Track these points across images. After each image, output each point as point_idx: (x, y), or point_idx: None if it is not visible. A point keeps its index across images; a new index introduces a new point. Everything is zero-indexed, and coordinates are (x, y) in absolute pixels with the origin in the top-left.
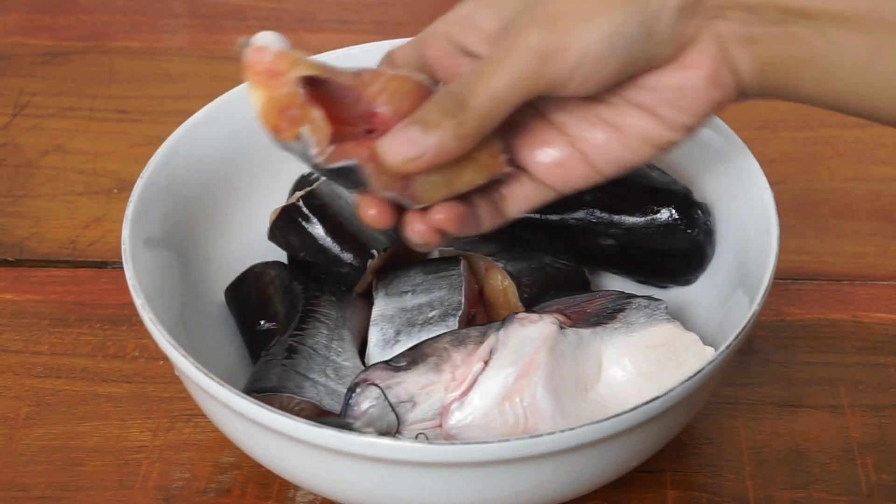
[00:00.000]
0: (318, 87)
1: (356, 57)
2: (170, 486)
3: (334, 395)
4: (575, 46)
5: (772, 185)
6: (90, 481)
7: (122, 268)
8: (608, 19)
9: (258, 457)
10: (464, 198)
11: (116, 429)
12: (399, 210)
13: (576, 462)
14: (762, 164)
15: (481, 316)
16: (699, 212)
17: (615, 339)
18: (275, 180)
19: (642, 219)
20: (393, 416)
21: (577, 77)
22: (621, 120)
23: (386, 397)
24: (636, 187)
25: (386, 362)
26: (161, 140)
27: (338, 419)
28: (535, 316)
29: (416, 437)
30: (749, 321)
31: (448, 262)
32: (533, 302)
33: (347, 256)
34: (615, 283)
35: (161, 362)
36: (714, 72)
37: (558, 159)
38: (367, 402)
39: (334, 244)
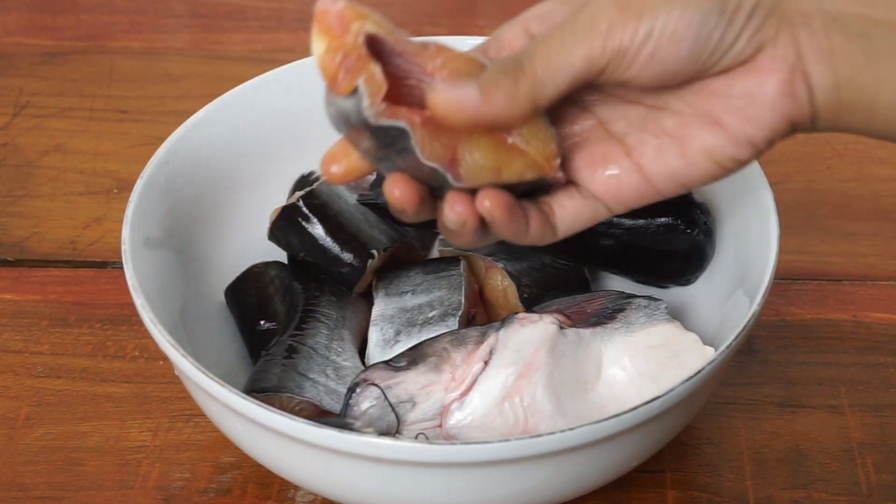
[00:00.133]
0: (382, 52)
1: None
2: (170, 486)
3: (334, 395)
4: (647, 17)
5: (772, 185)
6: (90, 481)
7: (122, 268)
8: (687, 1)
9: (258, 457)
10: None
11: (116, 429)
12: (424, 196)
13: (576, 462)
14: (762, 164)
15: (481, 316)
16: (699, 212)
17: (615, 339)
18: (275, 180)
19: (642, 219)
20: (393, 416)
21: (644, 52)
22: (683, 130)
23: (386, 397)
24: None
25: (386, 362)
26: (161, 140)
27: (338, 419)
28: (535, 316)
29: (416, 437)
30: (749, 321)
31: (448, 262)
32: (533, 302)
33: (347, 256)
34: (615, 283)
35: (161, 362)
36: (788, 81)
37: (612, 170)
38: (367, 402)
39: (334, 244)
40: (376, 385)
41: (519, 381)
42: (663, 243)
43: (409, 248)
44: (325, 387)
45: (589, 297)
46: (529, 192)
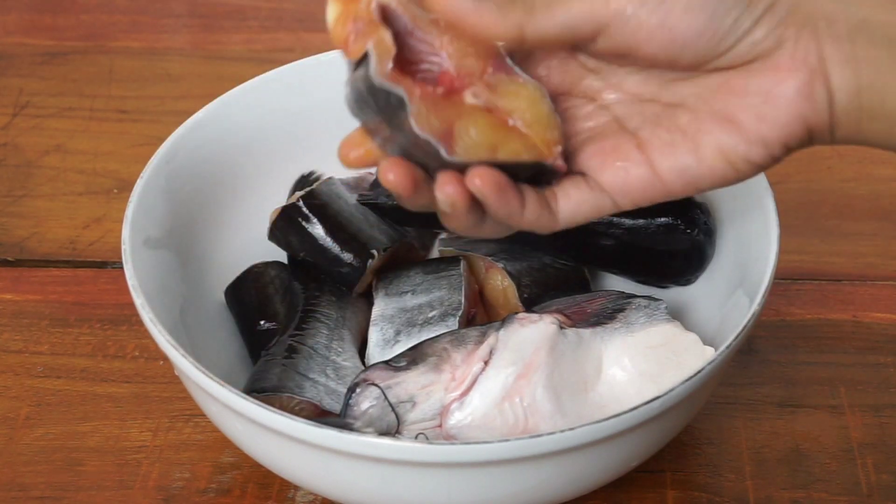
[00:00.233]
0: (397, 31)
1: None
2: (170, 486)
3: (334, 395)
4: None
5: (772, 185)
6: (90, 481)
7: (122, 268)
8: None
9: (258, 457)
10: (512, 179)
11: (116, 429)
12: (419, 181)
13: (576, 462)
14: None
15: (481, 316)
16: (699, 212)
17: (615, 339)
18: (275, 180)
19: (642, 219)
20: (393, 416)
21: (654, 19)
22: (697, 126)
23: (386, 397)
24: None
25: (386, 362)
26: (161, 140)
27: (338, 419)
28: (535, 316)
29: (416, 437)
30: (749, 321)
31: (448, 262)
32: (533, 302)
33: (347, 256)
34: (615, 283)
35: (161, 362)
36: (808, 82)
37: (621, 161)
38: (367, 402)
39: (334, 244)
40: (376, 385)
41: (519, 381)
42: (663, 243)
43: (409, 248)
44: (325, 387)
45: (589, 297)
46: (532, 180)
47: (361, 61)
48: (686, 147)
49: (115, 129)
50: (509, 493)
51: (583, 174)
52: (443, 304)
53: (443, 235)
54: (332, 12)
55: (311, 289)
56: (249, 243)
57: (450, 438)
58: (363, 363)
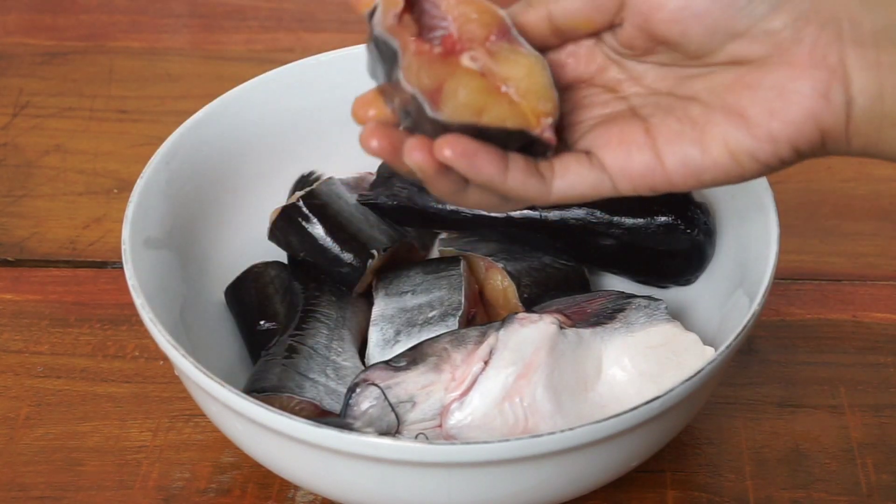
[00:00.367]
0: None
1: (357, 57)
2: (170, 486)
3: (334, 395)
4: None
5: (772, 185)
6: (90, 481)
7: (122, 268)
8: None
9: (258, 457)
10: (500, 147)
11: (116, 429)
12: (398, 148)
13: (576, 462)
14: None
15: (481, 316)
16: (699, 212)
17: (615, 339)
18: (275, 180)
19: (642, 219)
20: (393, 416)
21: None
22: (706, 118)
23: (386, 397)
24: None
25: (386, 362)
26: (161, 140)
27: (338, 419)
28: (535, 316)
29: (416, 437)
30: (749, 321)
31: (448, 262)
32: (533, 302)
33: (347, 256)
34: (615, 283)
35: (161, 362)
36: (825, 81)
37: (626, 139)
38: (367, 402)
39: (334, 244)
40: (376, 385)
41: (519, 381)
42: (663, 243)
43: (409, 248)
44: (325, 387)
45: (589, 297)
46: (525, 151)
47: (373, 14)
48: (692, 137)
49: (115, 129)
50: (509, 493)
51: (588, 152)
52: (443, 304)
53: (443, 235)
54: None
55: (311, 289)
56: (249, 243)
57: (450, 438)
58: (363, 363)
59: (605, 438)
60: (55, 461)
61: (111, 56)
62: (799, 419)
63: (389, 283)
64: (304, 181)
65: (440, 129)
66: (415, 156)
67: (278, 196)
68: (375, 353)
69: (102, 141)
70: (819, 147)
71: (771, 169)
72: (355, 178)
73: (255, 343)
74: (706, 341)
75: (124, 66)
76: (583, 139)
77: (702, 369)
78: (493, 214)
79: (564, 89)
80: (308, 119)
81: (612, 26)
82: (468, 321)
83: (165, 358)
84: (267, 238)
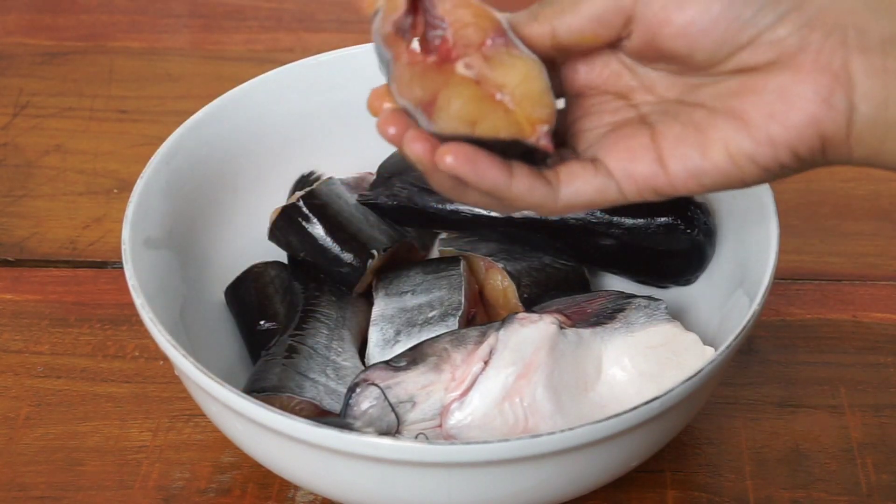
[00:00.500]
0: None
1: (357, 57)
2: (170, 486)
3: (334, 395)
4: None
5: (772, 185)
6: (90, 481)
7: (122, 268)
8: None
9: (258, 457)
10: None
11: (116, 429)
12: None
13: (576, 462)
14: None
15: (481, 316)
16: (699, 212)
17: (615, 339)
18: (275, 180)
19: (642, 219)
20: (393, 416)
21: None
22: (708, 122)
23: (386, 397)
24: None
25: (386, 362)
26: (161, 140)
27: (338, 419)
28: (535, 316)
29: (416, 437)
30: (749, 321)
31: (448, 262)
32: (533, 302)
33: (347, 256)
34: (615, 283)
35: (161, 362)
36: (828, 87)
37: (631, 144)
38: (367, 402)
39: (334, 244)
40: (376, 385)
41: (519, 381)
42: (663, 243)
43: (409, 248)
44: (325, 387)
45: (589, 297)
46: (525, 159)
47: (376, 17)
48: (694, 140)
49: (115, 129)
50: (509, 493)
51: (594, 160)
52: (443, 304)
53: (443, 235)
54: None
55: (311, 289)
56: (249, 243)
57: (450, 438)
58: (363, 363)
59: (605, 438)
60: (55, 461)
61: (111, 56)
62: (799, 419)
63: (389, 283)
64: (304, 181)
65: (439, 138)
66: (415, 147)
67: (278, 196)
68: (375, 353)
69: (102, 141)
70: (819, 154)
71: (772, 174)
72: (355, 178)
73: (255, 343)
74: (706, 341)
75: (124, 66)
76: (591, 148)
77: (702, 369)
78: (493, 214)
79: (575, 96)
80: (308, 119)
81: (619, 39)
82: (468, 321)
83: (165, 358)
84: (267, 238)
